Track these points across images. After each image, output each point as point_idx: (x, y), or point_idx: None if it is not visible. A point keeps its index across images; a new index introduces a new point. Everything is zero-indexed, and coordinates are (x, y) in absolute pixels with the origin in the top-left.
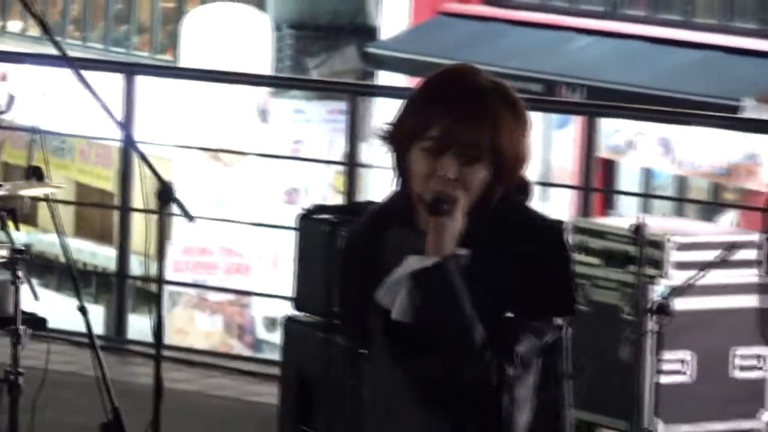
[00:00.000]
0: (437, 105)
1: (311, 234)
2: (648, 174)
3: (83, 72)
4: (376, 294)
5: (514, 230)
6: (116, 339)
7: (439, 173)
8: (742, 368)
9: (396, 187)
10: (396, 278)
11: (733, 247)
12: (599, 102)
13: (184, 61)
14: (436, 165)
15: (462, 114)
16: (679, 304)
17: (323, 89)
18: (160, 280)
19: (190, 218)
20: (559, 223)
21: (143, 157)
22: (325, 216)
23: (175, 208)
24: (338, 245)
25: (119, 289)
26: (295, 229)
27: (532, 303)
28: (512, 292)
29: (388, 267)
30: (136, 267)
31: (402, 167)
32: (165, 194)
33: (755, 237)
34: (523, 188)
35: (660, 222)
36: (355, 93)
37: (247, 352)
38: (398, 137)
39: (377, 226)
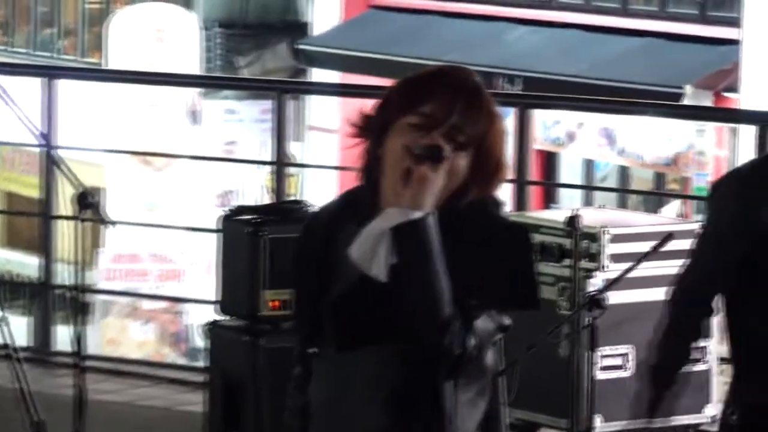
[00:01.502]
0: (432, 83)
1: (234, 236)
2: (590, 165)
3: (2, 77)
4: (349, 250)
5: (481, 228)
6: (42, 350)
7: (423, 141)
8: None
9: (361, 182)
10: (374, 232)
11: (669, 237)
12: (536, 93)
13: (112, 63)
14: (421, 137)
15: (461, 98)
16: (618, 297)
17: (250, 88)
18: (79, 288)
19: (110, 223)
20: (525, 228)
21: (57, 164)
22: (248, 217)
23: (95, 214)
24: (261, 246)
25: (44, 300)
26: (217, 231)
27: (497, 295)
28: (476, 286)
29: (343, 264)
30: (68, 276)
31: (373, 155)
32: (83, 200)
33: (694, 226)
34: (494, 203)
35: (597, 214)
36: (282, 91)
37: (181, 361)
38: (380, 116)
39: (335, 221)
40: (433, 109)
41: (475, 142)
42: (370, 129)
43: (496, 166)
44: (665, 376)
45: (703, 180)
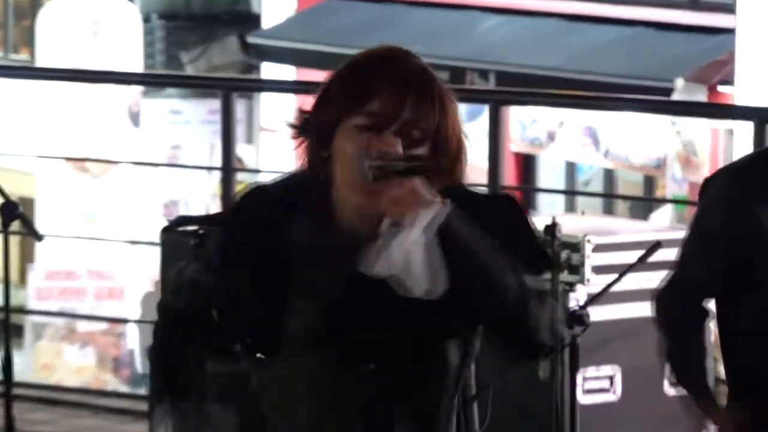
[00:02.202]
0: (375, 77)
1: (176, 249)
2: (572, 168)
3: None
4: (369, 267)
5: (466, 210)
6: None
7: (376, 146)
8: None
9: (304, 173)
10: (404, 244)
11: (657, 246)
12: (511, 89)
13: (43, 60)
14: (374, 139)
15: (409, 89)
16: (602, 313)
17: (195, 86)
18: (8, 309)
19: (38, 237)
20: (507, 195)
21: None
22: (191, 228)
23: (23, 226)
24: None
25: None
26: (158, 244)
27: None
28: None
29: (297, 259)
30: None
31: (318, 156)
32: (10, 211)
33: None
34: (461, 187)
35: (578, 221)
36: (231, 89)
37: (123, 388)
38: (321, 117)
39: (279, 210)
40: (381, 107)
41: (431, 133)
42: (311, 129)
43: (457, 153)
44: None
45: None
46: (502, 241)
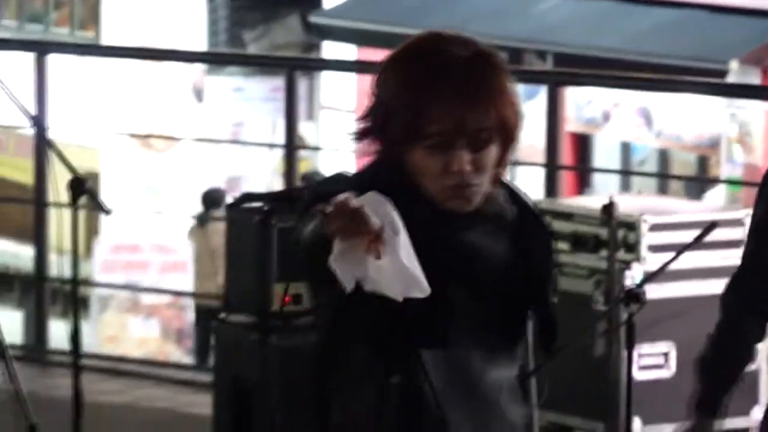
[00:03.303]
0: (428, 97)
1: (241, 225)
2: (627, 148)
3: None
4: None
5: (514, 209)
6: (36, 348)
7: (453, 169)
8: None
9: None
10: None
11: (713, 226)
12: (568, 69)
13: (108, 38)
14: (446, 160)
15: (461, 100)
16: (658, 291)
17: (258, 64)
18: (75, 282)
19: (106, 211)
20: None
21: (52, 146)
22: (256, 204)
23: (90, 201)
24: (271, 236)
25: (37, 293)
26: (222, 219)
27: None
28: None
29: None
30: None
31: (396, 161)
32: (78, 186)
33: (741, 214)
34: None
35: (634, 201)
36: (293, 68)
37: (187, 360)
38: (387, 140)
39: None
40: (442, 127)
41: (496, 125)
42: (379, 142)
43: (518, 122)
44: (717, 377)
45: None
46: (529, 255)
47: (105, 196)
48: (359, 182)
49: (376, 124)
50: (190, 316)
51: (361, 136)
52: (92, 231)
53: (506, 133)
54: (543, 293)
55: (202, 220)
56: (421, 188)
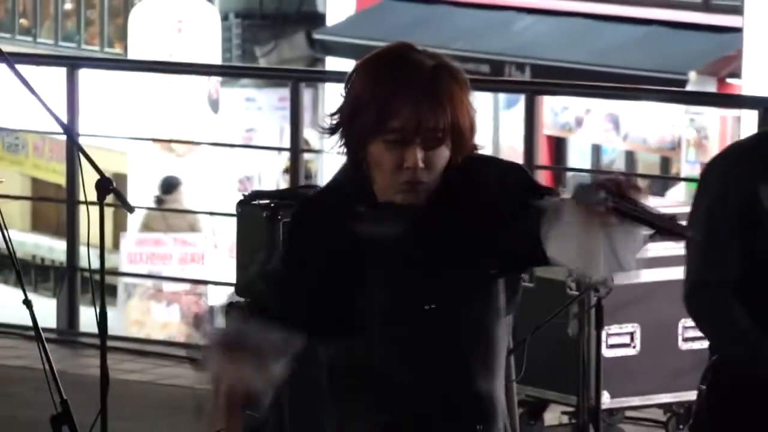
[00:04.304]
0: (393, 94)
1: (250, 220)
2: (597, 150)
3: (26, 67)
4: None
5: (478, 175)
6: (68, 332)
7: (407, 165)
8: (689, 339)
9: (348, 168)
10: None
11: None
12: (544, 80)
13: (134, 53)
14: (402, 155)
15: (422, 101)
16: (624, 277)
17: (267, 77)
18: (102, 272)
19: (130, 209)
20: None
21: (81, 150)
22: (264, 201)
23: (116, 199)
24: (278, 229)
25: (70, 282)
26: (234, 215)
27: (520, 199)
28: (499, 207)
29: (367, 244)
30: (92, 260)
31: (358, 155)
32: (103, 186)
33: None
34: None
35: None
36: (298, 79)
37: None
38: (353, 131)
39: (340, 207)
40: (401, 123)
41: (449, 128)
42: (345, 138)
43: (471, 131)
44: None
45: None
46: (504, 183)
47: (132, 195)
48: (326, 195)
49: (344, 119)
50: (207, 302)
51: (331, 131)
52: (120, 226)
53: (458, 138)
54: (531, 191)
55: (160, 202)
56: (374, 184)
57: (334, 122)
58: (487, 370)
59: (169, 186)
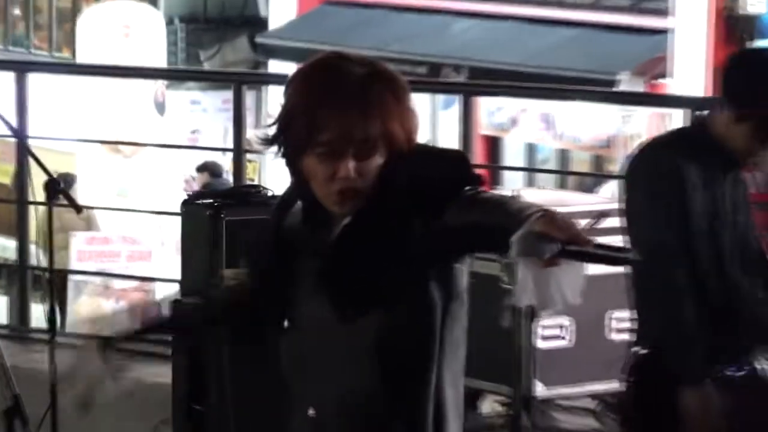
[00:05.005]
0: (321, 108)
1: (195, 219)
2: (532, 149)
3: None
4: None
5: (411, 173)
6: (19, 328)
7: (339, 176)
8: (618, 331)
9: (292, 182)
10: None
11: (603, 215)
12: (480, 81)
13: (82, 58)
14: (334, 166)
15: (351, 113)
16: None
17: (211, 79)
18: (51, 270)
19: (78, 209)
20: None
21: (30, 153)
22: (208, 201)
23: (65, 199)
24: (221, 228)
25: (21, 280)
26: (179, 214)
27: (443, 192)
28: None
29: (301, 252)
30: (42, 258)
31: (295, 168)
32: (53, 187)
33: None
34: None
35: (537, 194)
36: (241, 82)
37: (152, 336)
38: (287, 144)
39: (282, 219)
40: (331, 136)
41: (381, 135)
42: (280, 148)
43: (406, 138)
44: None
45: None
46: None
47: (81, 195)
48: (282, 200)
49: (279, 131)
50: (155, 298)
51: (268, 142)
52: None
53: (391, 146)
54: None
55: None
56: (313, 192)
57: (272, 133)
58: (414, 376)
59: (56, 185)
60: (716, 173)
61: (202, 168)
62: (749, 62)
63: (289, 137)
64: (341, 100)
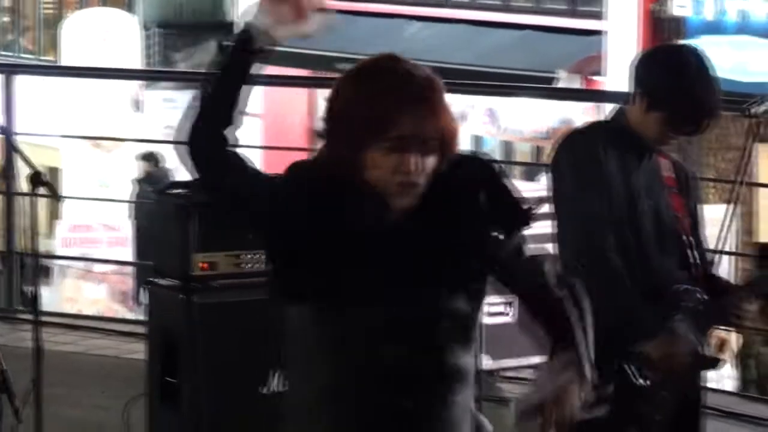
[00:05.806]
0: (392, 106)
1: (167, 208)
2: (478, 141)
3: None
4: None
5: (454, 179)
6: (7, 309)
7: (404, 170)
8: None
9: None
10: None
11: (542, 201)
12: None
13: (66, 60)
14: (400, 160)
15: (421, 112)
16: None
17: (185, 79)
18: (36, 254)
19: (59, 198)
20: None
21: (17, 149)
22: (180, 191)
23: (48, 191)
24: (193, 217)
25: (8, 264)
26: (153, 201)
27: (494, 225)
28: (475, 225)
29: (351, 225)
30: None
31: (352, 159)
32: (36, 179)
33: None
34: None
35: None
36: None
37: (129, 316)
38: (346, 140)
39: (324, 185)
40: (399, 133)
41: (439, 137)
42: (340, 140)
43: (456, 138)
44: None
45: None
46: (484, 197)
47: (65, 187)
48: (315, 170)
49: (334, 128)
50: (132, 280)
51: (322, 135)
52: (55, 215)
53: (446, 144)
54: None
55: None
56: (369, 182)
57: (324, 129)
58: (462, 348)
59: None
60: (632, 159)
61: (147, 157)
62: (660, 57)
63: (351, 134)
64: (412, 98)
